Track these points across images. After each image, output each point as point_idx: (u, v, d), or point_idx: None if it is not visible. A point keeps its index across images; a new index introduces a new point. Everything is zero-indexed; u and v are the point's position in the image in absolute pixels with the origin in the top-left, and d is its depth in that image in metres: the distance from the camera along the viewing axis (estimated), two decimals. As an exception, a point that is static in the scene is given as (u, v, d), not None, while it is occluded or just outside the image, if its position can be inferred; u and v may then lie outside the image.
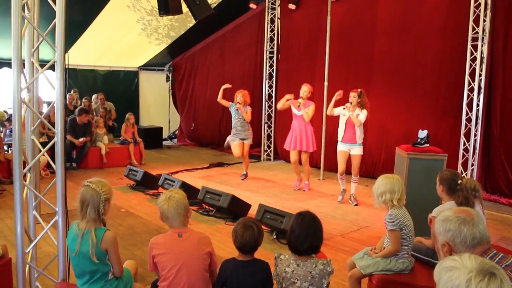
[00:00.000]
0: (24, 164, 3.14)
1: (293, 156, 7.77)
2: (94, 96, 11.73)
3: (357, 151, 6.92)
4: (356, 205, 7.03)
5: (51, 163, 3.14)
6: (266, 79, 11.00)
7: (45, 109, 9.38)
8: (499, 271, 1.44)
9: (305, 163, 7.79)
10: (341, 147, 7.01)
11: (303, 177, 7.99)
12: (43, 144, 3.25)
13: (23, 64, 3.06)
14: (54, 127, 3.09)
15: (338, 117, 7.01)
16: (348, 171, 7.11)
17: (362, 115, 6.76)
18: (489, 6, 7.24)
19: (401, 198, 3.49)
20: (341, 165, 7.03)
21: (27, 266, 3.31)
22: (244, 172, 8.86)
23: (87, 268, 2.88)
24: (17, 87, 2.94)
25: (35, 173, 3.52)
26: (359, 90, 6.81)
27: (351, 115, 6.80)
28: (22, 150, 3.03)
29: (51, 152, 3.14)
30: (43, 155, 3.20)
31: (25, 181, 3.26)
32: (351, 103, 6.78)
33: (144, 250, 4.81)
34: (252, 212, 5.95)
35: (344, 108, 6.89)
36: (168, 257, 2.85)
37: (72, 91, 11.15)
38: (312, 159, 9.55)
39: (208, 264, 2.94)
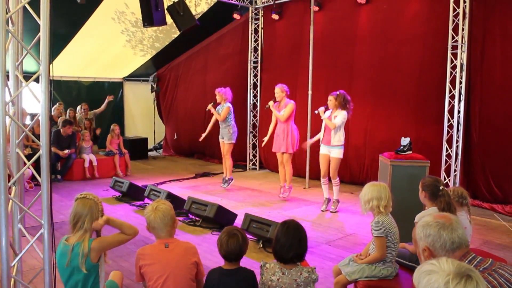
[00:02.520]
0: (9, 177, 3.13)
1: (278, 158, 7.85)
2: (78, 107, 11.68)
3: (335, 153, 6.91)
4: (335, 212, 7.07)
5: (36, 175, 3.14)
6: (250, 89, 11.06)
7: (28, 121, 9.32)
8: (475, 273, 1.49)
9: (286, 164, 7.76)
10: (322, 149, 7.07)
11: (286, 179, 7.95)
12: (28, 157, 3.25)
13: (7, 76, 3.06)
14: (38, 139, 3.09)
15: (322, 121, 7.08)
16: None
17: (339, 117, 6.75)
18: (467, 15, 7.41)
19: (387, 205, 3.56)
20: (322, 167, 7.09)
21: (12, 280, 3.29)
22: (225, 178, 8.72)
23: (79, 281, 2.89)
24: (1, 101, 2.94)
25: (20, 186, 3.51)
26: (337, 92, 6.86)
27: (324, 119, 6.90)
28: (6, 163, 3.02)
29: (36, 164, 3.13)
30: (28, 167, 3.20)
31: (10, 194, 3.25)
32: (327, 107, 6.92)
33: (130, 262, 4.80)
34: (238, 221, 5.97)
35: (316, 112, 7.05)
36: (155, 268, 2.87)
37: (57, 104, 11.07)
38: (296, 167, 9.63)
39: (195, 274, 2.96)
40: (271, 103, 7.65)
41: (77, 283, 2.92)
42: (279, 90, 7.62)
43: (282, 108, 7.59)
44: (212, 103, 8.56)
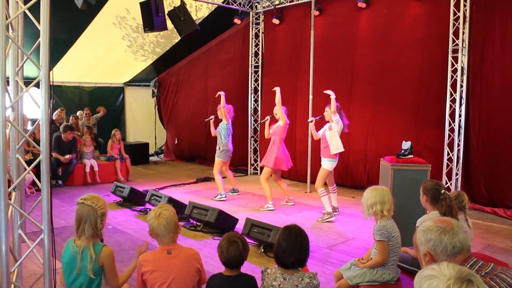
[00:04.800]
0: (9, 182, 3.13)
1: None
2: (79, 113, 11.71)
3: (323, 164, 6.86)
4: (321, 222, 6.79)
5: (36, 181, 3.13)
6: (251, 93, 11.08)
7: (29, 126, 9.34)
8: (476, 278, 1.48)
9: (260, 178, 7.70)
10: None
11: (285, 193, 7.96)
12: (29, 162, 3.25)
13: (7, 82, 3.06)
14: (39, 144, 3.09)
15: (321, 128, 7.05)
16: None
17: (334, 123, 6.68)
18: (467, 19, 7.41)
19: (390, 208, 3.55)
20: None
21: (12, 285, 3.28)
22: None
23: (83, 283, 2.89)
24: (1, 106, 2.94)
25: (20, 191, 3.51)
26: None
27: (311, 126, 6.96)
28: (6, 168, 3.02)
29: (37, 170, 3.13)
30: (28, 173, 3.20)
31: (10, 199, 3.25)
32: (322, 116, 6.89)
33: (131, 267, 4.79)
34: (240, 226, 5.95)
35: (311, 121, 7.08)
36: (157, 274, 2.84)
37: (59, 110, 11.09)
38: (298, 172, 9.62)
39: (197, 281, 2.94)
40: (267, 119, 7.68)
41: (81, 285, 2.91)
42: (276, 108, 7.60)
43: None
44: (213, 117, 8.50)
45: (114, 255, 3.00)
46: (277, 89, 7.51)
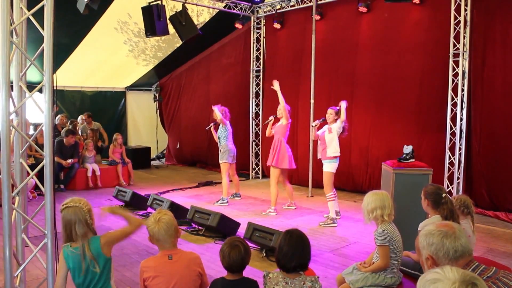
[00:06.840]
0: (12, 187, 3.14)
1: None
2: (79, 118, 11.71)
3: (325, 167, 6.83)
4: (323, 226, 6.77)
5: (40, 185, 3.14)
6: (253, 98, 11.09)
7: (31, 131, 9.35)
8: (480, 281, 1.49)
9: (270, 180, 7.62)
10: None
11: (288, 196, 7.91)
12: (31, 166, 3.26)
13: (11, 87, 3.08)
14: (41, 149, 3.10)
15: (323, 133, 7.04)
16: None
17: (335, 126, 6.70)
18: (468, 23, 7.44)
19: (391, 213, 3.55)
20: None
21: (16, 290, 3.29)
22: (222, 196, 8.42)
23: (94, 280, 2.89)
24: (5, 111, 2.96)
25: (23, 196, 3.52)
26: (338, 107, 6.80)
27: (312, 128, 6.93)
28: (10, 173, 3.03)
29: (39, 174, 3.14)
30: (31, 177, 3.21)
31: (14, 204, 3.26)
32: (324, 119, 6.88)
33: (133, 271, 4.80)
34: (241, 230, 5.96)
35: (315, 125, 7.04)
36: (160, 280, 2.84)
37: (60, 114, 11.09)
38: (299, 176, 9.63)
39: (199, 285, 2.94)
40: (271, 119, 7.66)
41: (91, 281, 2.90)
42: (279, 108, 7.60)
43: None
44: (212, 124, 8.51)
45: (109, 233, 3.04)
46: (276, 85, 7.47)
